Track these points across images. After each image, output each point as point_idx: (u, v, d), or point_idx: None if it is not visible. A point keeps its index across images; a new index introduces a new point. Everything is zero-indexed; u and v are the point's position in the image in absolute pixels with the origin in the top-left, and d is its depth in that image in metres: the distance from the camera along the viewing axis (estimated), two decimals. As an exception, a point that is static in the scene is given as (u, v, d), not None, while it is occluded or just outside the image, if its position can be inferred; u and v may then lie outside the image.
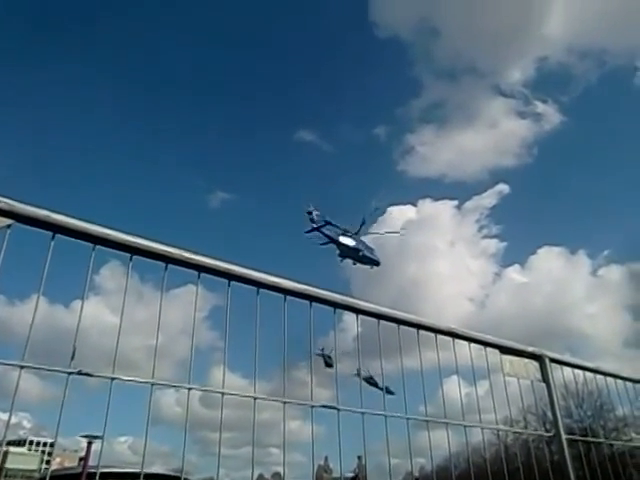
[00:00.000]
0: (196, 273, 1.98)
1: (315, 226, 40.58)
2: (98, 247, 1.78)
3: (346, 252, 42.75)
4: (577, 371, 3.37)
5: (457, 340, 2.74)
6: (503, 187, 59.70)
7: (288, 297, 2.19)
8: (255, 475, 2.17)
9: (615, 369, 3.66)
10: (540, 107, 59.21)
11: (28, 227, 1.67)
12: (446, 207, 61.53)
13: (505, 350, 2.94)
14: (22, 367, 1.56)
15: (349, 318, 2.46)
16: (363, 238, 43.09)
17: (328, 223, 40.76)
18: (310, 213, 40.80)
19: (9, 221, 1.62)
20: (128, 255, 1.85)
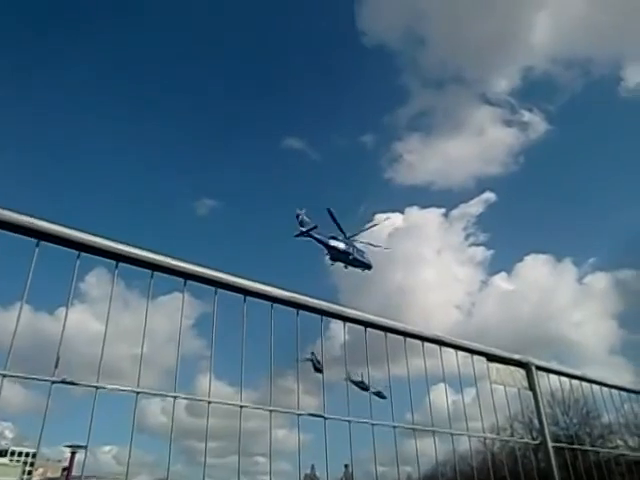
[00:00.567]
0: (182, 281, 1.97)
1: (304, 229, 40.58)
2: (83, 254, 1.77)
3: (336, 256, 42.72)
4: (563, 378, 3.39)
5: (444, 348, 2.74)
6: (490, 195, 60.30)
7: (275, 305, 2.18)
8: (241, 485, 2.14)
9: (601, 377, 3.69)
10: (526, 116, 60.02)
11: (12, 234, 1.65)
12: (433, 215, 62.00)
13: (492, 358, 2.95)
14: (4, 376, 1.54)
15: (336, 326, 2.46)
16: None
17: (314, 228, 40.77)
18: (299, 217, 40.84)
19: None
20: (114, 262, 1.83)
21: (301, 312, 2.25)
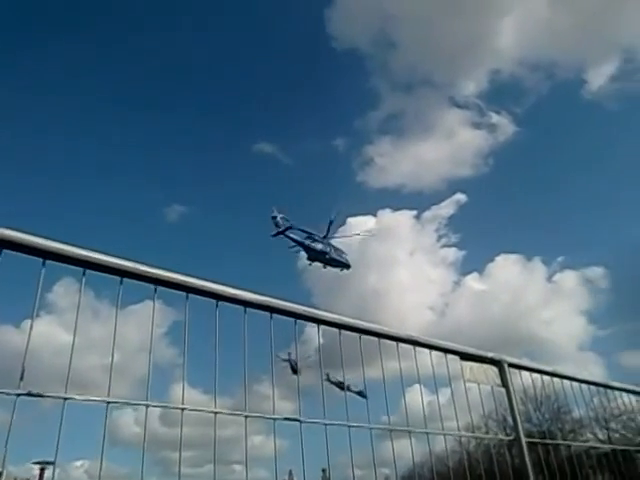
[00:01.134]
0: (153, 287, 1.93)
1: (280, 230, 40.54)
2: (49, 262, 1.72)
3: (314, 255, 42.68)
4: (535, 375, 3.45)
5: (418, 348, 2.76)
6: (460, 197, 61.04)
7: (248, 309, 2.15)
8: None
9: (572, 372, 3.77)
10: (494, 118, 61.07)
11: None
12: (405, 217, 62.40)
13: (465, 356, 2.98)
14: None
15: (311, 330, 2.45)
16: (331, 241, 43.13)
17: (291, 227, 40.78)
18: (275, 218, 40.79)
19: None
20: (81, 270, 1.79)
21: (275, 316, 2.23)
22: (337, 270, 44.65)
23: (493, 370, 3.10)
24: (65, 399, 1.62)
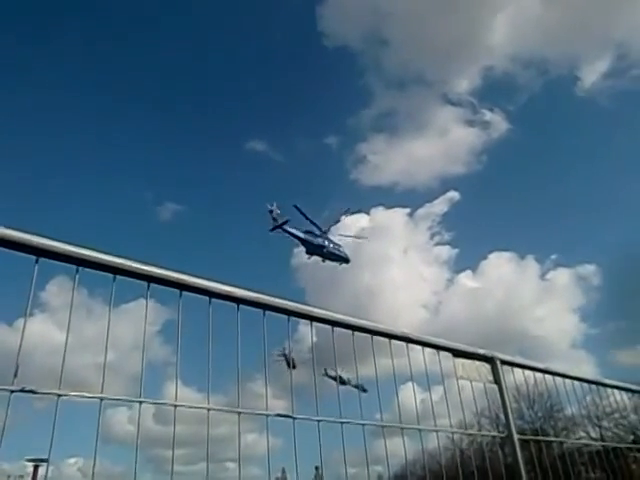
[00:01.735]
0: (146, 284, 1.93)
1: (278, 224, 40.58)
2: (42, 260, 1.71)
3: (312, 249, 42.70)
4: (528, 372, 3.47)
5: (411, 345, 2.77)
6: (454, 194, 61.14)
7: (241, 306, 2.16)
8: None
9: (563, 369, 3.79)
10: (488, 115, 61.17)
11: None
12: (398, 215, 62.45)
13: (458, 353, 3.00)
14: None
15: (304, 328, 2.45)
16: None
17: (288, 221, 40.82)
18: (272, 212, 40.82)
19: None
20: (74, 267, 1.78)
21: (268, 313, 2.24)
22: (335, 264, 44.74)
23: (486, 367, 3.12)
24: (59, 395, 1.63)
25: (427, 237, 63.67)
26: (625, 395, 4.27)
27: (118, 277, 1.86)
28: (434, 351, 2.90)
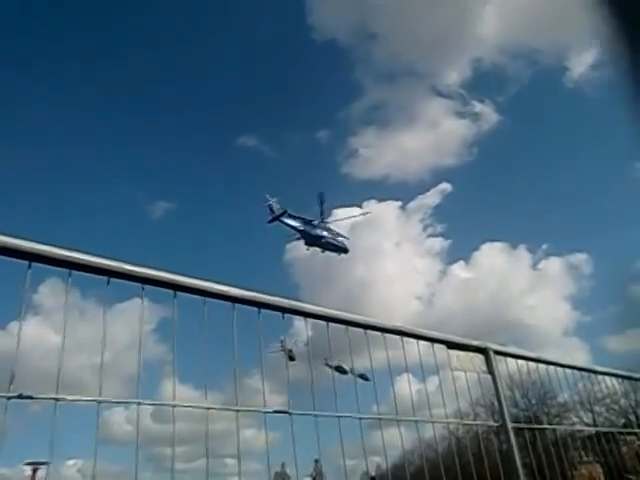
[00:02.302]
0: (140, 286, 1.94)
1: (276, 215, 40.61)
2: (35, 264, 1.71)
3: (310, 240, 42.74)
4: (521, 362, 3.51)
5: (406, 338, 2.80)
6: (445, 186, 61.22)
7: (236, 305, 2.16)
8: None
9: (556, 357, 3.84)
10: (478, 107, 61.09)
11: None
12: (391, 208, 62.55)
13: (452, 345, 3.03)
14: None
15: (299, 324, 2.48)
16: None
17: (286, 212, 40.86)
18: (269, 203, 40.82)
19: None
20: (67, 271, 1.78)
21: (263, 310, 2.25)
22: (333, 255, 44.82)
23: (479, 358, 3.15)
24: (56, 400, 1.62)
25: (420, 229, 63.83)
26: (616, 381, 4.34)
27: (112, 280, 1.86)
28: (428, 343, 2.93)
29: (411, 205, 62.87)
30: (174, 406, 1.89)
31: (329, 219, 44.21)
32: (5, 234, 1.65)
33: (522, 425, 3.43)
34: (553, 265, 61.54)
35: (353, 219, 47.71)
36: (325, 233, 42.95)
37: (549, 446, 3.60)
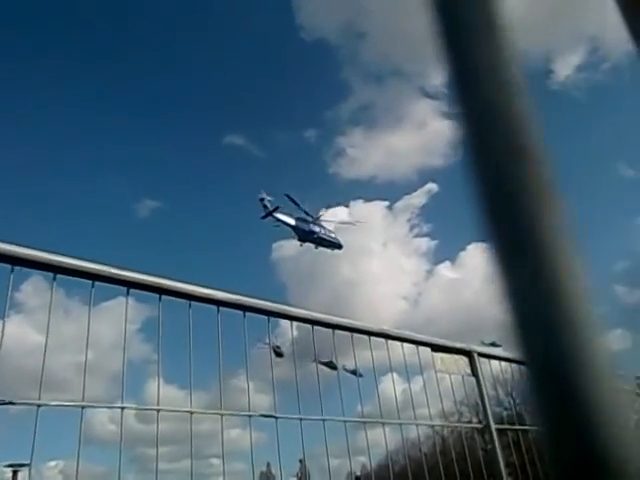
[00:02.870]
0: (125, 289, 1.93)
1: (270, 210, 40.60)
2: (18, 268, 1.69)
3: (304, 236, 42.75)
4: (505, 364, 3.55)
5: (390, 341, 2.82)
6: (432, 186, 61.65)
7: (221, 308, 2.16)
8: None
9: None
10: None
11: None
12: (378, 208, 62.85)
13: (436, 348, 3.05)
14: None
15: (286, 324, 2.48)
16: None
17: (278, 208, 40.88)
18: (262, 200, 40.82)
19: None
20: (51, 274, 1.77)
21: (248, 313, 2.25)
22: (322, 254, 44.89)
23: (464, 360, 3.18)
24: (39, 405, 1.61)
25: (406, 229, 64.25)
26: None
27: (97, 283, 1.85)
28: (413, 345, 2.95)
29: (398, 205, 63.27)
30: (159, 410, 1.88)
31: (321, 215, 44.27)
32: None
33: (506, 427, 3.48)
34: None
35: (342, 219, 47.84)
36: (318, 229, 43.01)
37: (531, 445, 3.64)
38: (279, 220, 41.72)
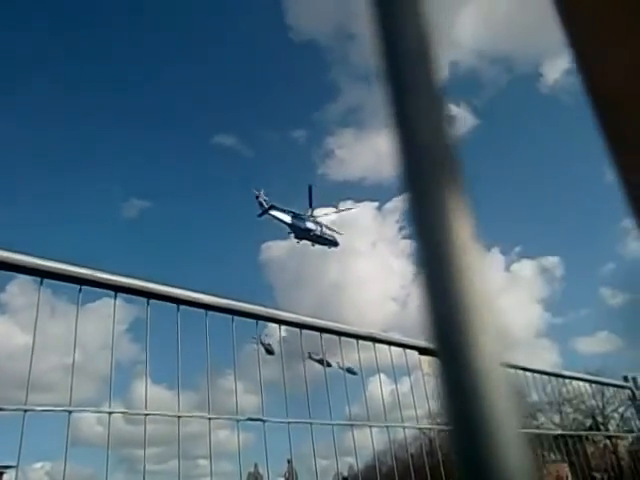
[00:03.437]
0: (113, 294, 1.93)
1: (266, 207, 40.60)
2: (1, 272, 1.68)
3: (300, 233, 42.74)
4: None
5: (378, 345, 2.83)
6: (422, 188, 61.79)
7: (209, 312, 2.17)
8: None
9: (527, 360, 3.93)
10: (453, 110, 61.87)
11: None
12: (367, 209, 62.96)
13: (423, 351, 3.07)
14: None
15: (274, 324, 2.49)
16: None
17: (274, 206, 40.90)
18: (258, 197, 40.80)
19: None
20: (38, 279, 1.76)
21: (236, 317, 2.25)
22: (311, 254, 44.97)
23: (450, 362, 3.21)
24: (25, 411, 1.60)
25: (395, 230, 64.33)
26: (582, 383, 4.46)
27: (84, 287, 1.85)
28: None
29: (387, 206, 63.32)
30: (146, 414, 1.88)
31: (315, 213, 44.27)
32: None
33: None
34: (525, 267, 62.76)
35: (333, 217, 47.84)
36: (314, 226, 43.04)
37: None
38: (275, 218, 41.74)
